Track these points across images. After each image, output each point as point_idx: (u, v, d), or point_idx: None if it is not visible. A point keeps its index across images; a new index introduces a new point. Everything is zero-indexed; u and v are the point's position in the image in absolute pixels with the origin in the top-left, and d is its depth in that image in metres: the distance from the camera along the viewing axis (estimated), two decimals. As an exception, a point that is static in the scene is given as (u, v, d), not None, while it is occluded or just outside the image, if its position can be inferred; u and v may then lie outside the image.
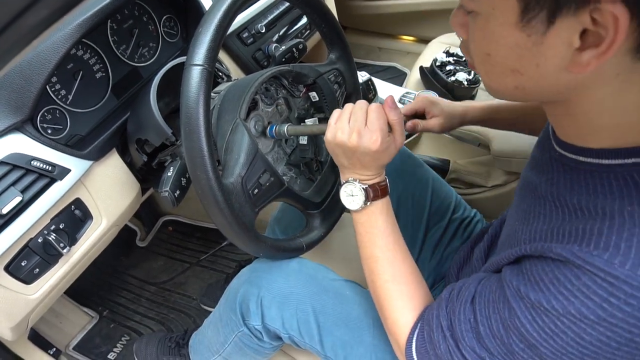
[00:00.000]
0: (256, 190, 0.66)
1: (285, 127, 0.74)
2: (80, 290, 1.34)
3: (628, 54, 0.35)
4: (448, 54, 1.42)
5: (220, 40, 0.59)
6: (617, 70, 0.37)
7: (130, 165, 0.83)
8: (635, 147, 0.40)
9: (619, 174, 0.40)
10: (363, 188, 0.61)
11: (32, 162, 0.65)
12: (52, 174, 0.68)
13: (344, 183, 0.63)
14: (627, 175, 0.39)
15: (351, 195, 0.63)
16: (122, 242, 1.56)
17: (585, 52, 0.36)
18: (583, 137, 0.44)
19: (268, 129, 0.76)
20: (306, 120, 0.84)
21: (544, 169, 0.50)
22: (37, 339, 1.16)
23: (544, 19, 0.36)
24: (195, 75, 0.56)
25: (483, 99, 1.42)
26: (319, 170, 0.87)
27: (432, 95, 0.88)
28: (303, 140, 0.85)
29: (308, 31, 1.22)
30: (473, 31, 0.43)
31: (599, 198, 0.40)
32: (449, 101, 0.84)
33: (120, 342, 1.32)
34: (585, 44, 0.35)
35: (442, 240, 0.88)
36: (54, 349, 1.19)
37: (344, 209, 0.85)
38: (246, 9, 1.05)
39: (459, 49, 1.41)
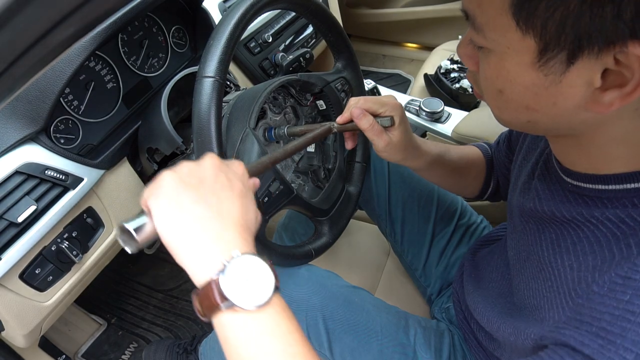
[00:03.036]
0: (266, 199, 0.67)
1: (284, 129, 0.75)
2: (88, 298, 1.35)
3: None
4: (452, 61, 1.43)
5: (231, 53, 0.61)
6: (636, 105, 0.36)
7: (140, 173, 0.85)
8: None
9: None
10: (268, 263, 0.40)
11: (46, 172, 0.67)
12: (65, 183, 0.69)
13: (230, 261, 0.37)
14: None
15: (249, 279, 0.37)
16: (129, 250, 1.57)
17: (607, 92, 0.35)
18: (594, 165, 0.43)
19: (267, 132, 0.76)
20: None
21: (557, 200, 0.47)
22: (47, 346, 1.16)
23: (563, 59, 0.35)
24: (207, 87, 0.58)
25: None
26: (327, 177, 0.87)
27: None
28: (310, 148, 0.86)
29: (314, 40, 1.24)
30: (484, 67, 0.41)
31: None
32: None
33: (128, 349, 1.32)
34: (606, 84, 0.34)
35: (448, 246, 0.88)
36: (64, 356, 1.20)
37: (351, 216, 0.86)
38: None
39: (463, 56, 1.43)
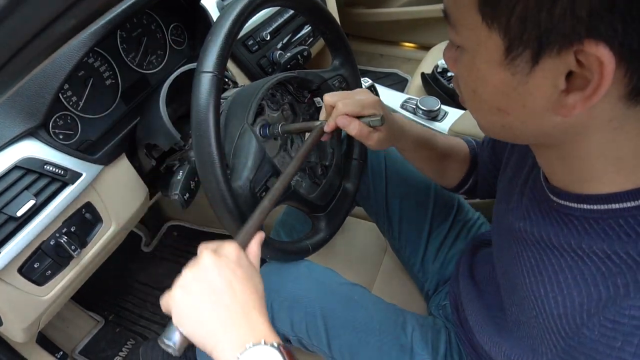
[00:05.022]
0: (264, 193, 0.67)
1: (278, 127, 0.75)
2: (86, 295, 1.35)
3: (621, 100, 0.34)
4: (449, 60, 1.44)
5: (230, 48, 0.61)
6: (609, 116, 0.35)
7: (139, 169, 0.85)
8: None
9: (638, 216, 0.38)
10: (275, 346, 0.43)
11: (45, 167, 0.67)
12: (64, 178, 0.69)
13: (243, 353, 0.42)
14: None
15: None
16: (127, 248, 1.56)
17: (570, 94, 0.34)
18: (580, 183, 0.42)
19: (262, 129, 0.76)
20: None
21: (546, 221, 0.47)
22: (44, 342, 1.17)
23: (528, 58, 0.35)
24: (205, 82, 0.58)
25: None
26: (324, 174, 0.88)
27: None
28: (308, 145, 0.86)
29: (312, 38, 1.25)
30: (460, 67, 0.42)
31: (629, 244, 0.38)
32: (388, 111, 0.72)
33: (125, 346, 1.33)
34: (571, 87, 0.34)
35: (445, 241, 0.89)
36: (61, 353, 1.20)
37: (348, 212, 0.86)
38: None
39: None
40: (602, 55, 0.31)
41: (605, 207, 0.40)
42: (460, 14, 0.38)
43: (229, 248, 0.50)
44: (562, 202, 0.45)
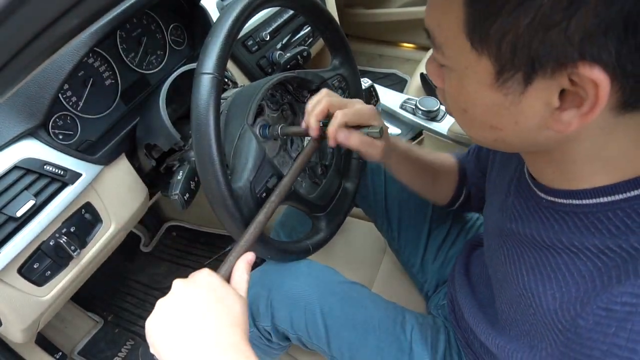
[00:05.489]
0: (264, 194, 0.67)
1: (277, 129, 0.74)
2: (85, 296, 1.35)
3: (612, 111, 0.35)
4: (448, 60, 1.44)
5: (229, 49, 0.61)
6: (600, 124, 0.36)
7: (138, 170, 0.85)
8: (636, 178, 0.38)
9: (626, 208, 0.38)
10: None
11: (44, 167, 0.67)
12: (64, 178, 0.69)
13: None
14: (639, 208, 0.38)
15: None
16: (126, 248, 1.56)
17: (566, 112, 0.35)
18: (568, 181, 0.43)
19: (261, 129, 0.75)
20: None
21: (537, 220, 0.47)
22: (43, 343, 1.16)
23: (520, 80, 0.35)
24: (205, 83, 0.58)
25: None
26: (324, 174, 0.88)
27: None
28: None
29: (311, 38, 1.25)
30: (448, 85, 0.42)
31: (620, 238, 0.38)
32: None
33: (125, 346, 1.32)
34: (565, 104, 0.35)
35: (445, 242, 0.89)
36: (60, 353, 1.20)
37: (348, 211, 0.86)
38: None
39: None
40: (597, 78, 0.31)
41: (594, 201, 0.41)
42: (445, 39, 0.38)
43: (200, 274, 0.51)
44: (550, 198, 0.45)
